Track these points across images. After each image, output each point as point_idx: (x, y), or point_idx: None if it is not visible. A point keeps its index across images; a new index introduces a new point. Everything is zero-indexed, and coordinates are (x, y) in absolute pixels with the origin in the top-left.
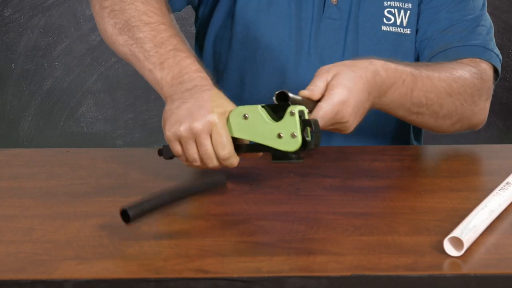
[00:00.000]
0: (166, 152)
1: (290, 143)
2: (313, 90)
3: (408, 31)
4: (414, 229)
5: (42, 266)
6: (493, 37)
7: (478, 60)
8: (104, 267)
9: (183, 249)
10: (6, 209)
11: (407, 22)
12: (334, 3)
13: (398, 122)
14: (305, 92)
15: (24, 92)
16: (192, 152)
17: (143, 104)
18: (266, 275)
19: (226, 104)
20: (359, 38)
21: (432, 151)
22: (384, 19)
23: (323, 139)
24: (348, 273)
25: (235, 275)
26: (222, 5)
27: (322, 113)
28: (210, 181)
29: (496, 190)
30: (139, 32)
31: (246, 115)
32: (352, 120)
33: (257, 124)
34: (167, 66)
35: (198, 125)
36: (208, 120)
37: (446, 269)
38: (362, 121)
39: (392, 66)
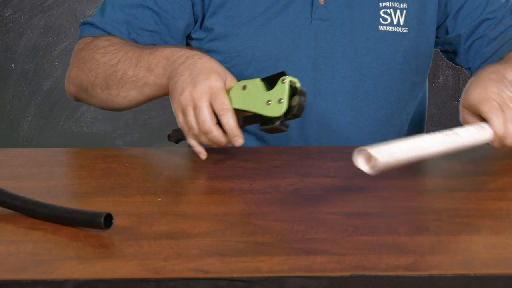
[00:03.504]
0: (173, 135)
1: (276, 108)
2: None
3: (406, 30)
4: (414, 229)
5: (42, 266)
6: None
7: None
8: (104, 267)
9: (183, 249)
10: (7, 209)
11: (404, 22)
12: (322, 3)
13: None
14: None
15: (24, 92)
16: (190, 118)
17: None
18: (266, 275)
19: (218, 68)
20: (356, 39)
21: None
22: (381, 19)
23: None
24: (348, 273)
25: (235, 275)
26: (203, 27)
27: None
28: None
29: (439, 133)
30: (116, 75)
31: (245, 86)
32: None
33: (252, 94)
34: (153, 65)
35: (197, 90)
36: (207, 84)
37: (446, 269)
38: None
39: None
